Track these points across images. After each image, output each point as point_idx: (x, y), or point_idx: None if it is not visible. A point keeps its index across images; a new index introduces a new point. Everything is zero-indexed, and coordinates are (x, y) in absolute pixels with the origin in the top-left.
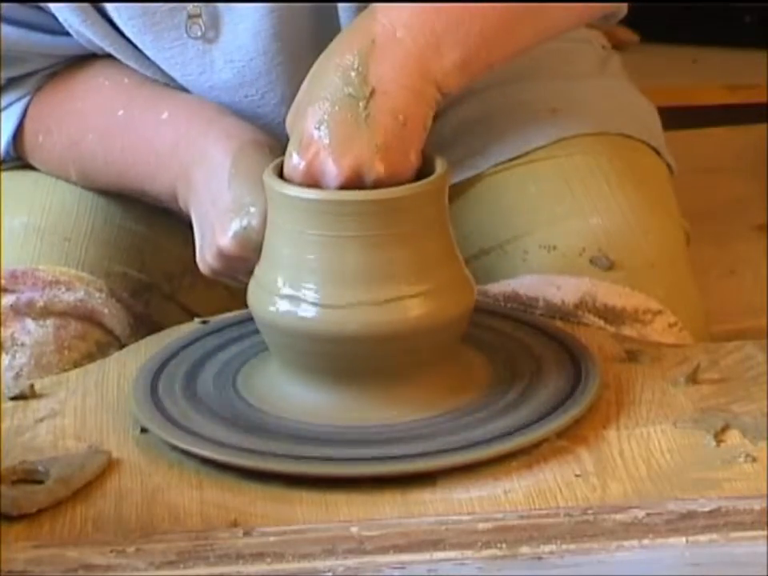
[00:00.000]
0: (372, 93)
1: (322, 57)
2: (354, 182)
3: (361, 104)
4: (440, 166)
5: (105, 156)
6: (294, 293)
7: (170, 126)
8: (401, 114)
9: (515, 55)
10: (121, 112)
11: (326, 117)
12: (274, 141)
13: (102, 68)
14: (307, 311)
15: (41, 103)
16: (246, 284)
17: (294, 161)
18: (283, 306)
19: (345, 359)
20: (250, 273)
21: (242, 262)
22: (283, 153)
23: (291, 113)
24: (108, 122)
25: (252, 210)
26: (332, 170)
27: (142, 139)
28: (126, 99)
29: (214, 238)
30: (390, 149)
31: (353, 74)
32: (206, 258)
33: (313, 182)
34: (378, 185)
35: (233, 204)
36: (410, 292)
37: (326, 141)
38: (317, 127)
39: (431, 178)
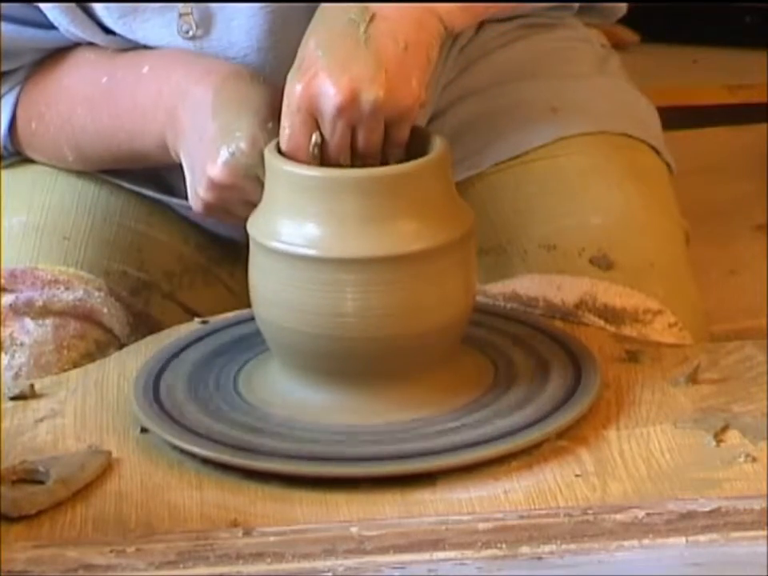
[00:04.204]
0: (372, 17)
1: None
2: (351, 104)
3: (361, 27)
4: (439, 142)
5: (94, 126)
6: (295, 233)
7: (151, 78)
8: (402, 38)
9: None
10: (105, 79)
11: (325, 40)
12: (256, 72)
13: (87, 45)
14: (310, 244)
15: (31, 90)
16: (239, 217)
17: (293, 85)
18: (283, 246)
19: (346, 314)
20: (243, 204)
21: (235, 192)
22: (264, 81)
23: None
24: (94, 92)
25: (238, 134)
26: (329, 90)
27: (126, 99)
28: (110, 66)
29: (204, 170)
30: (390, 71)
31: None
32: (197, 193)
33: (311, 105)
34: (376, 108)
35: (218, 133)
36: (408, 225)
37: (325, 62)
38: (316, 50)
39: (431, 154)
